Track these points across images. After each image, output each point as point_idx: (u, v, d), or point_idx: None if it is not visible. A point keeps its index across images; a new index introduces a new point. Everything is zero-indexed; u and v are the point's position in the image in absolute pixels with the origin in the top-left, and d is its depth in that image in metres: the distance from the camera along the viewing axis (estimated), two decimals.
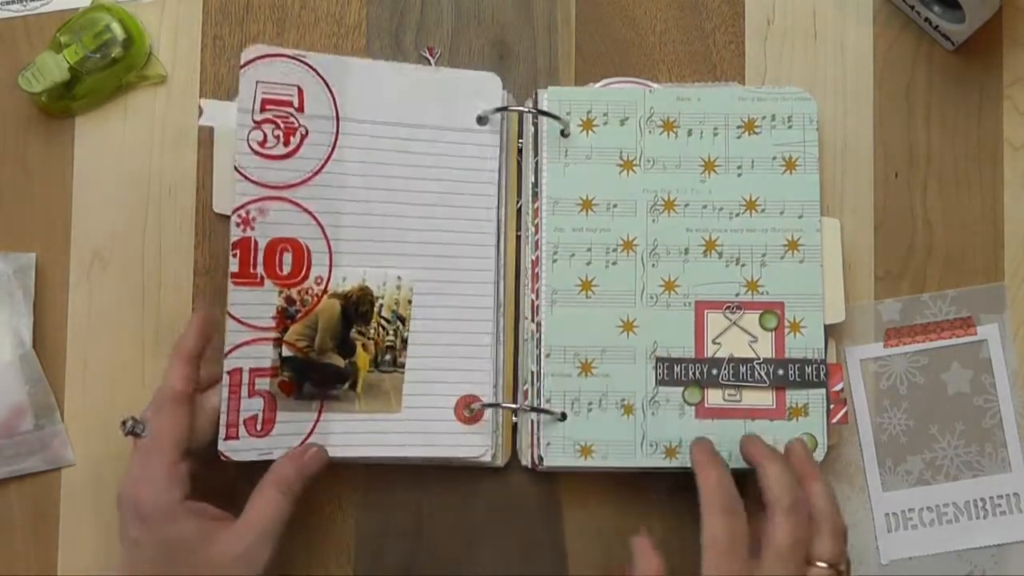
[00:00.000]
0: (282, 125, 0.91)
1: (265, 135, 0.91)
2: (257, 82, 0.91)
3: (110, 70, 0.96)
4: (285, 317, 0.91)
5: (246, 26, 0.98)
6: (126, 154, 0.97)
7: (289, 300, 0.91)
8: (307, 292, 0.91)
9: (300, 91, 0.91)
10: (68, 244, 0.97)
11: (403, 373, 0.92)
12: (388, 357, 0.92)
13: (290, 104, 0.91)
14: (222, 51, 0.98)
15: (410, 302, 0.92)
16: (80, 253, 0.97)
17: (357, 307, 0.92)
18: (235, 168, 0.90)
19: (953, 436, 0.95)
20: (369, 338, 0.92)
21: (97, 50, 0.95)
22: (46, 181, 0.97)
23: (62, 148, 0.97)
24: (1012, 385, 0.95)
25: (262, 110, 0.91)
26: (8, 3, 0.98)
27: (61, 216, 0.97)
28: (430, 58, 0.97)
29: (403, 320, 0.92)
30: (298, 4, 0.98)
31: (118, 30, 0.95)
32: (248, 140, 0.91)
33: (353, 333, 0.92)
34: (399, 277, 0.92)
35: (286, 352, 0.91)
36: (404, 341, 0.92)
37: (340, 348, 0.92)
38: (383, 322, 0.92)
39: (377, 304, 0.92)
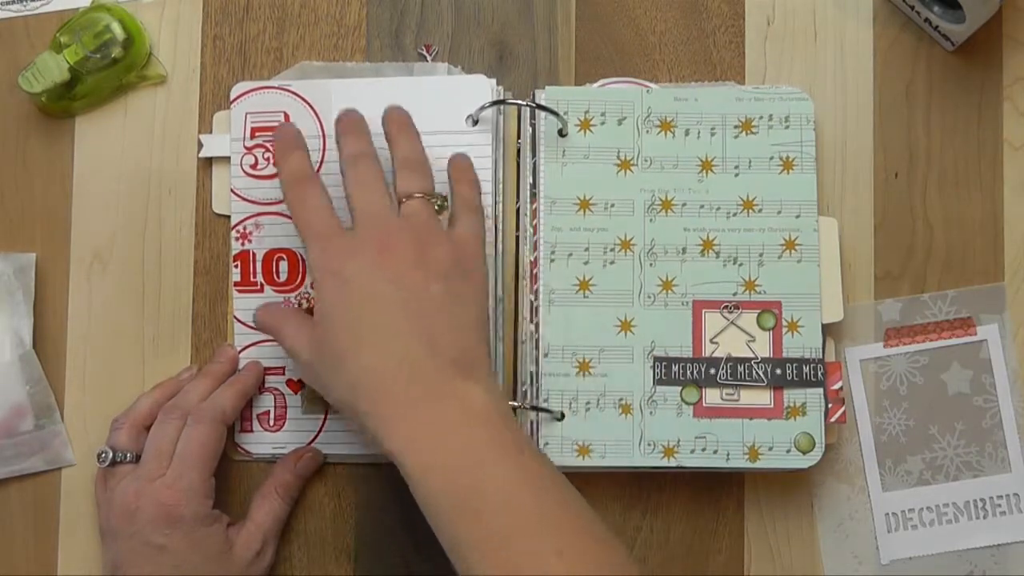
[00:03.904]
0: (271, 148, 0.94)
1: (256, 159, 0.96)
2: (246, 114, 0.96)
3: (110, 70, 0.96)
4: None
5: (246, 26, 0.98)
6: (126, 154, 0.98)
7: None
8: (304, 297, 0.95)
9: (286, 116, 0.96)
10: (68, 244, 0.97)
11: None
12: None
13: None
14: (222, 51, 0.98)
15: None
16: (80, 253, 0.97)
17: None
18: (231, 190, 0.96)
19: (953, 436, 0.95)
20: None
21: (97, 50, 0.95)
22: (46, 181, 0.98)
23: (62, 148, 0.98)
24: (1012, 385, 0.95)
25: (251, 137, 0.96)
26: (8, 3, 0.98)
27: (61, 216, 0.97)
28: (427, 56, 0.97)
29: None
30: (298, 4, 0.98)
31: (118, 30, 0.96)
32: (241, 164, 0.95)
33: None
34: None
35: None
36: None
37: None
38: None
39: None
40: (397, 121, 0.90)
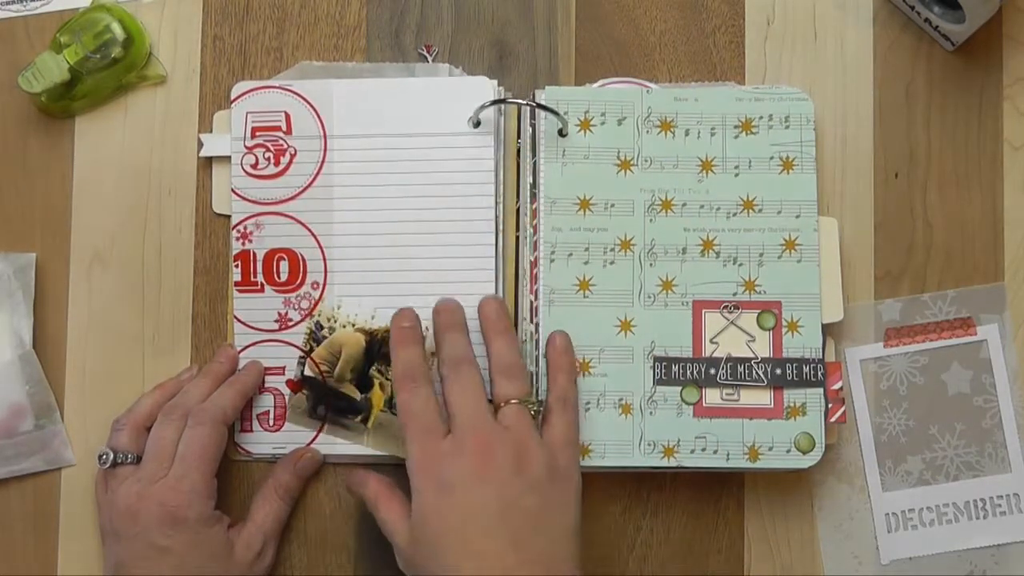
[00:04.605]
0: (272, 148, 0.96)
1: (257, 158, 0.96)
2: (247, 113, 0.96)
3: (110, 70, 0.96)
4: (312, 340, 0.95)
5: (246, 26, 0.98)
6: (126, 154, 0.98)
7: (318, 325, 0.95)
8: (305, 297, 0.95)
9: (287, 115, 0.96)
10: (68, 244, 0.97)
11: None
12: None
13: (279, 128, 0.96)
14: (222, 51, 0.98)
15: (433, 354, 0.93)
16: (80, 253, 0.97)
17: (381, 346, 0.94)
18: (232, 189, 0.96)
19: (953, 436, 0.95)
20: (388, 379, 0.94)
21: (97, 50, 0.95)
22: (46, 181, 0.98)
23: (62, 148, 0.98)
24: (1012, 385, 0.95)
25: (252, 137, 0.96)
26: (8, 3, 0.98)
27: (61, 216, 0.97)
28: (427, 56, 0.97)
29: None
30: (298, 4, 0.98)
31: (118, 30, 0.96)
32: (242, 164, 0.96)
33: (373, 370, 0.94)
34: (426, 328, 0.93)
35: (308, 371, 0.95)
36: None
37: (359, 381, 0.95)
38: None
39: None
40: (494, 322, 0.91)
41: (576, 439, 0.89)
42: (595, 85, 0.96)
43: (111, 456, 0.89)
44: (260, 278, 0.95)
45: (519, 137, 0.95)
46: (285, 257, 0.95)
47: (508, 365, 0.89)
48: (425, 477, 0.85)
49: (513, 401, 0.87)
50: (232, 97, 0.96)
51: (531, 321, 0.93)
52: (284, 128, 0.96)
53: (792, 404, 0.91)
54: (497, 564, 0.82)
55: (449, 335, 0.90)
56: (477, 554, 0.82)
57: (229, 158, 0.96)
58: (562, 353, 0.91)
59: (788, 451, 0.91)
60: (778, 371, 0.91)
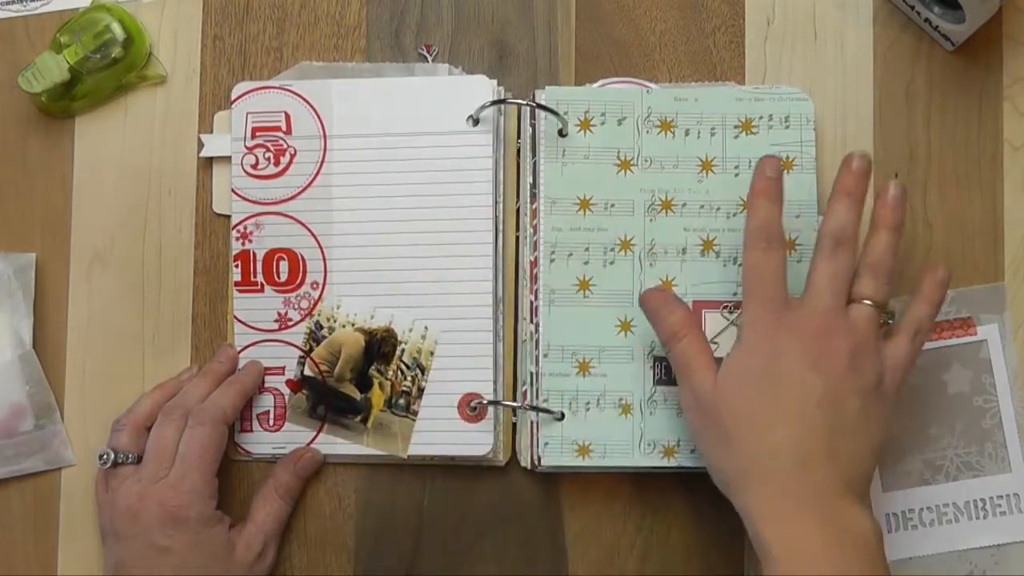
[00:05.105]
0: (272, 148, 0.96)
1: (257, 159, 0.96)
2: (247, 113, 0.97)
3: (110, 70, 0.96)
4: (312, 339, 0.95)
5: (246, 26, 0.98)
6: (126, 154, 0.98)
7: (318, 325, 0.95)
8: (304, 297, 0.95)
9: (287, 116, 0.96)
10: (68, 244, 0.97)
11: (414, 421, 0.94)
12: (402, 402, 0.94)
13: (279, 128, 0.96)
14: (222, 51, 0.98)
15: (432, 353, 0.93)
16: (80, 253, 0.97)
17: (380, 346, 0.95)
18: (232, 189, 0.96)
19: (953, 436, 0.94)
20: (387, 378, 0.94)
21: (97, 50, 0.95)
22: (46, 181, 0.98)
23: (62, 148, 0.98)
24: (1012, 385, 0.94)
25: (252, 137, 0.96)
26: (8, 3, 0.98)
27: (61, 216, 0.97)
28: (427, 56, 0.97)
29: (423, 369, 0.94)
30: (298, 4, 0.98)
31: (118, 30, 0.96)
32: (242, 164, 0.96)
33: (372, 370, 0.95)
34: (426, 327, 0.94)
35: (307, 371, 0.95)
36: (420, 390, 0.94)
37: (358, 381, 0.95)
38: (403, 366, 0.94)
39: (400, 348, 0.94)
40: (889, 212, 0.86)
41: (908, 372, 0.86)
42: (595, 85, 0.96)
43: (111, 456, 0.89)
44: (260, 278, 0.95)
45: (519, 137, 0.95)
46: (285, 257, 0.95)
47: (882, 265, 0.85)
48: (761, 337, 0.83)
49: (867, 302, 0.84)
50: (232, 98, 0.96)
51: (531, 321, 0.93)
52: (284, 128, 0.96)
53: None
54: (805, 451, 0.80)
55: (845, 202, 0.86)
56: (787, 433, 0.81)
57: (229, 158, 0.96)
58: (937, 285, 0.88)
59: None
60: None
